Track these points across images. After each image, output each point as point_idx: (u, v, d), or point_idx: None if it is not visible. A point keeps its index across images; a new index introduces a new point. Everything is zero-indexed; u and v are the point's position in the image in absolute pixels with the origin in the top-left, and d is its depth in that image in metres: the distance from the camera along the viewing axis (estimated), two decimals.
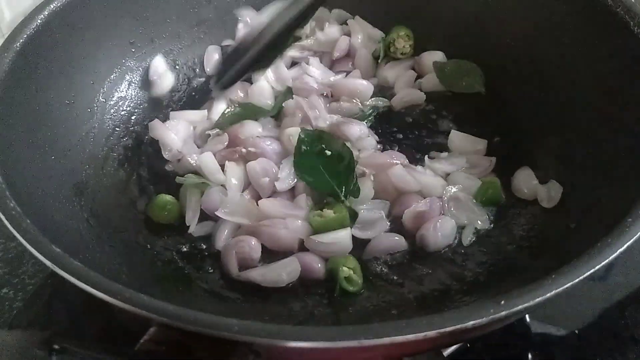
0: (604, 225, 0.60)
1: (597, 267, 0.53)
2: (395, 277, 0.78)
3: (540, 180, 0.85)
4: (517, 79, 0.95)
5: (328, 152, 0.84)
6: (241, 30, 1.07)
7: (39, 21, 0.83)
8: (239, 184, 0.86)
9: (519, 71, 0.95)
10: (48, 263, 0.55)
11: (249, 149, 0.87)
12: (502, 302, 0.50)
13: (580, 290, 0.84)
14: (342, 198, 0.82)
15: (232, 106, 0.96)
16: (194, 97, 1.04)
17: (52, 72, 0.84)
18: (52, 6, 0.85)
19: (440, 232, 0.79)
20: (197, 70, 1.07)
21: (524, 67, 0.94)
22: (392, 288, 0.76)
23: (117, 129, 0.94)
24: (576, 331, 0.81)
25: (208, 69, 1.06)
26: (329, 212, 0.80)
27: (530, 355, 0.78)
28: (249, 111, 0.95)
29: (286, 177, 0.85)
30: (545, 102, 0.90)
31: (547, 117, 0.89)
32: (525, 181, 0.85)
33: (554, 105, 0.88)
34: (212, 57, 1.07)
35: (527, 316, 0.80)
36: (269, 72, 1.00)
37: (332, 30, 1.07)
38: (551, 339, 0.80)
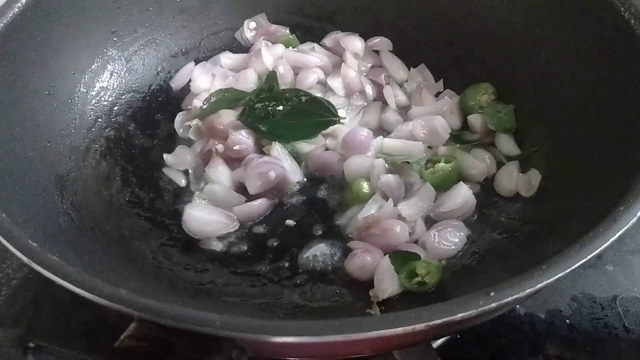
0: (595, 215, 0.59)
1: (588, 257, 0.52)
2: None
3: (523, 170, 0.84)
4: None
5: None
6: (247, 33, 1.06)
7: (16, 10, 0.80)
8: (229, 184, 0.85)
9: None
10: (23, 257, 0.54)
11: (230, 144, 0.85)
12: (492, 293, 0.48)
13: (570, 279, 0.84)
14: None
15: (213, 95, 0.94)
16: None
17: (30, 62, 0.82)
18: None
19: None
20: (180, 59, 1.04)
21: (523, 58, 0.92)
22: None
23: (99, 119, 0.92)
24: (567, 321, 0.80)
25: (174, 85, 1.02)
26: (442, 166, 0.82)
27: (521, 346, 0.78)
28: (232, 97, 0.93)
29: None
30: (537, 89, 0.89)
31: (537, 105, 0.88)
32: (509, 178, 0.84)
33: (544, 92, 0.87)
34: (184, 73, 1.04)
35: (517, 307, 0.79)
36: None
37: None
38: (541, 329, 0.79)
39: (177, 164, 0.89)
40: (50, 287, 0.80)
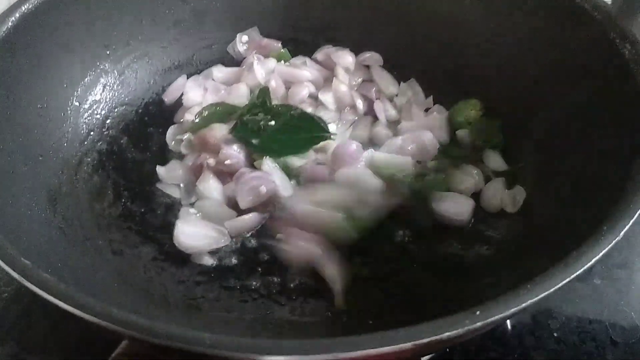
0: (582, 231, 0.59)
1: (574, 275, 0.52)
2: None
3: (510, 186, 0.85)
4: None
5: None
6: (240, 47, 1.07)
7: (9, 24, 0.81)
8: (221, 198, 0.85)
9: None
10: (15, 275, 0.54)
11: (221, 158, 0.86)
12: (478, 312, 0.49)
13: (558, 293, 0.84)
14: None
15: (205, 109, 0.94)
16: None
17: (23, 76, 0.82)
18: (23, 8, 0.82)
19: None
20: (173, 72, 1.05)
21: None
22: (369, 295, 0.76)
23: (92, 133, 0.93)
24: (555, 334, 0.81)
25: (166, 99, 1.03)
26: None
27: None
28: (224, 110, 0.94)
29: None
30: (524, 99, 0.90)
31: (525, 120, 0.89)
32: (494, 194, 0.85)
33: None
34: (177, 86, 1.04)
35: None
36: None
37: None
38: (529, 343, 0.80)
39: (169, 177, 0.89)
40: (42, 301, 0.80)
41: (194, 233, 0.80)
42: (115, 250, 0.80)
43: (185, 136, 0.91)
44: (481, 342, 0.79)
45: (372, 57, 1.04)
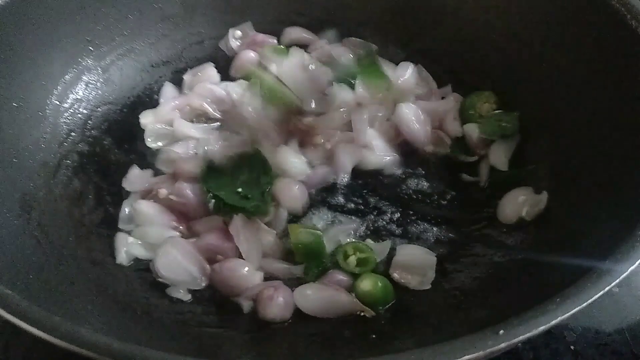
0: (607, 239, 0.56)
1: (608, 288, 0.47)
2: None
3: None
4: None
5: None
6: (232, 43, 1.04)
7: None
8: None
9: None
10: None
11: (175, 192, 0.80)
12: (501, 332, 0.43)
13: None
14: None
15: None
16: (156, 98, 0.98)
17: None
18: None
19: None
20: (161, 69, 1.01)
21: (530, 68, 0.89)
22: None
23: (73, 133, 0.88)
24: (571, 347, 0.76)
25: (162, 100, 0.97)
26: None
27: None
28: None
29: None
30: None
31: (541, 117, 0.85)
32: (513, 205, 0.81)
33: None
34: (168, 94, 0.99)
35: None
36: None
37: None
38: (545, 356, 0.75)
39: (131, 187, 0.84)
40: None
41: (176, 264, 0.73)
42: (94, 260, 0.75)
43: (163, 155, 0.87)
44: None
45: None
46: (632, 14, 0.72)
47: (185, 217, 0.80)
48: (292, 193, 0.81)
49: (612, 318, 0.79)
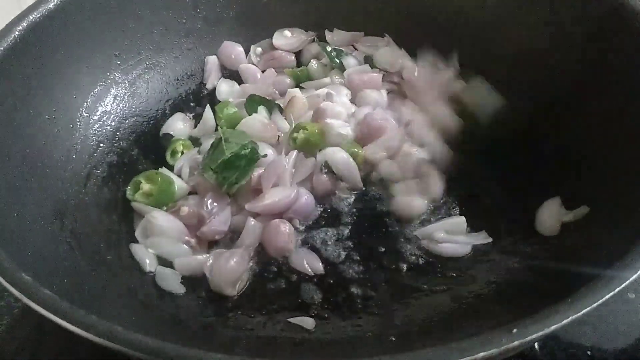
0: (623, 241, 0.56)
1: (619, 289, 0.48)
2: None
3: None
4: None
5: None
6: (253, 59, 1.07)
7: (16, 33, 0.79)
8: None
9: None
10: (14, 291, 0.51)
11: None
12: (514, 330, 0.45)
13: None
14: None
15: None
16: (182, 109, 1.01)
17: (31, 87, 0.81)
18: (31, 17, 0.81)
19: None
20: (186, 82, 1.04)
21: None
22: (391, 312, 0.72)
23: (102, 145, 0.90)
24: (588, 352, 0.76)
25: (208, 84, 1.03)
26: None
27: None
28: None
29: None
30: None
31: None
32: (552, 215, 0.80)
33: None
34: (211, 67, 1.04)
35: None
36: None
37: None
38: None
39: None
40: None
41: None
42: (124, 266, 0.77)
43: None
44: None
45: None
46: None
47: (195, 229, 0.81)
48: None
49: (628, 324, 0.79)
